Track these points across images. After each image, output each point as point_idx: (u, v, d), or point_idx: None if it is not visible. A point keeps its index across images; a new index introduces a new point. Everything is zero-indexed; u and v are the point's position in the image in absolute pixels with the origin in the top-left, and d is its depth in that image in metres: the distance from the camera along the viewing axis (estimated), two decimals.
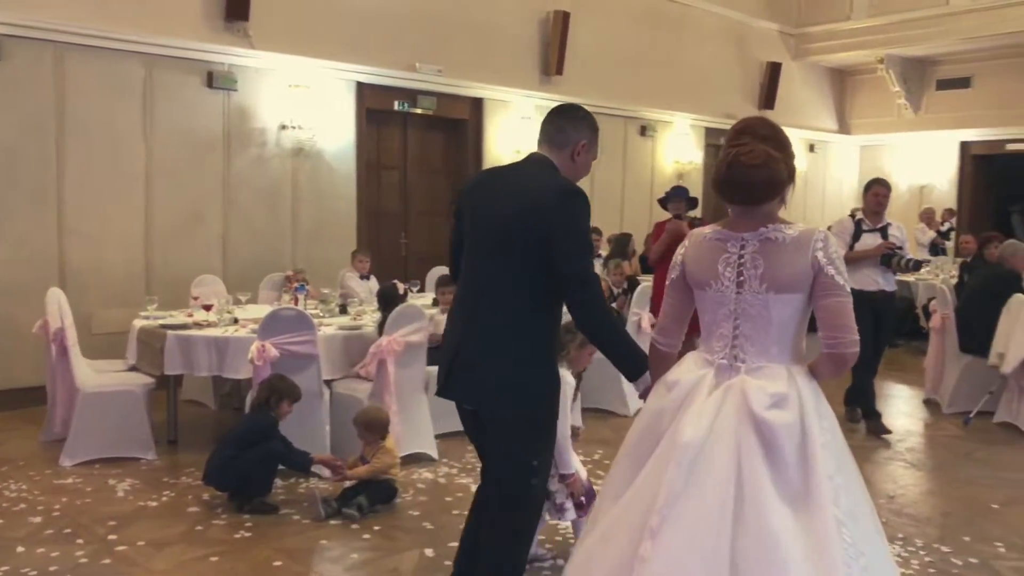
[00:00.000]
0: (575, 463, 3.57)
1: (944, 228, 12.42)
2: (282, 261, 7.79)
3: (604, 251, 9.19)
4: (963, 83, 13.26)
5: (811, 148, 14.03)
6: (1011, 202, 14.23)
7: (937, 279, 9.63)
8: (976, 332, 6.55)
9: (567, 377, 3.23)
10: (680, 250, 2.44)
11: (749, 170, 2.24)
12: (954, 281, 9.17)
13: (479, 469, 2.92)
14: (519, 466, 2.67)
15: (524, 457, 2.67)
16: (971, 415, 6.37)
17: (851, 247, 5.98)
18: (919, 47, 12.74)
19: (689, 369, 2.32)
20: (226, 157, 7.57)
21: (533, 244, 2.57)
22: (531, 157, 2.79)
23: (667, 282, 2.48)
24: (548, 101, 10.13)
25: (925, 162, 13.96)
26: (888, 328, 6.23)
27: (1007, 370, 6.06)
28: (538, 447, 2.70)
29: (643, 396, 2.56)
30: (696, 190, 10.84)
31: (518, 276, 2.62)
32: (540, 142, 2.79)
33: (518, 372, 2.62)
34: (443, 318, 5.90)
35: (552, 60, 9.90)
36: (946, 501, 4.67)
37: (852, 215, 6.19)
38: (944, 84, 13.49)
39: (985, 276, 7.03)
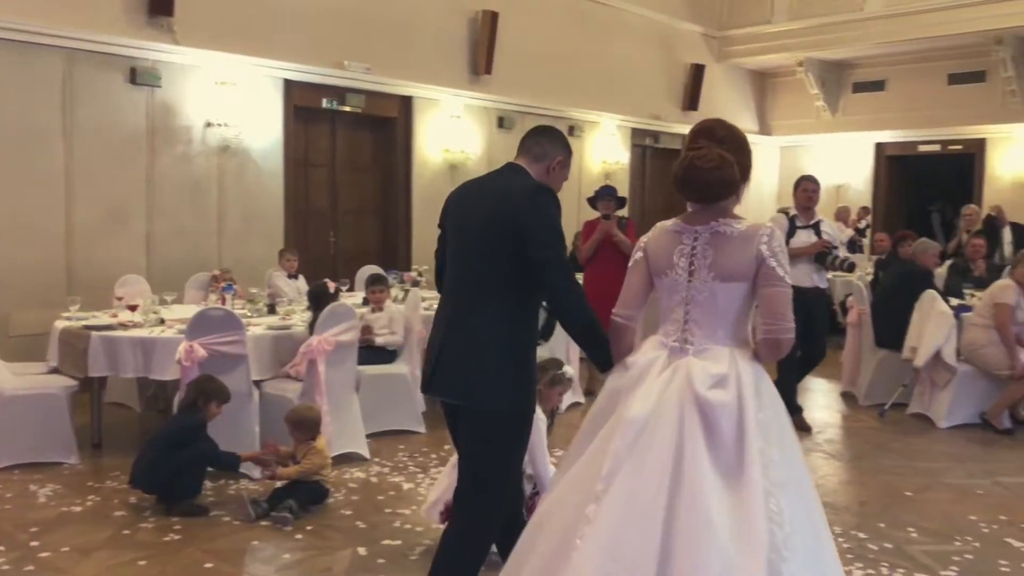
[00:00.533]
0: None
1: (861, 226, 12.87)
2: (208, 260, 7.65)
3: None
4: (878, 86, 13.77)
5: None
6: (927, 202, 14.86)
7: (854, 276, 9.99)
8: (890, 327, 6.83)
9: (539, 414, 3.36)
10: (644, 238, 2.65)
11: (704, 172, 2.44)
12: (869, 278, 9.54)
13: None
14: (495, 457, 2.81)
15: (501, 448, 2.82)
16: (886, 407, 6.64)
17: (786, 243, 6.12)
18: (836, 51, 13.17)
19: (646, 352, 2.51)
20: (150, 155, 7.41)
21: (509, 239, 2.74)
22: (507, 165, 3.00)
23: (630, 263, 2.67)
24: (477, 100, 10.18)
25: (842, 162, 14.44)
26: (822, 325, 6.36)
27: (919, 364, 6.34)
28: (514, 440, 2.85)
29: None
30: (623, 190, 11.05)
31: (498, 277, 2.79)
32: (519, 154, 3.02)
33: (498, 369, 2.77)
34: (374, 317, 5.97)
35: (481, 59, 9.94)
36: (863, 490, 4.88)
37: (785, 212, 6.33)
38: (860, 87, 13.98)
39: (898, 273, 7.34)
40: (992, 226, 10.33)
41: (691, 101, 13.22)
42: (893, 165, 14.20)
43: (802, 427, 6.12)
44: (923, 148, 13.81)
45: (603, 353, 2.72)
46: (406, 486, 4.80)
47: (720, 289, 2.42)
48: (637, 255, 2.65)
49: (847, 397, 7.26)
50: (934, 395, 6.43)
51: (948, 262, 9.08)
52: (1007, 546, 4.06)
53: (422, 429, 5.89)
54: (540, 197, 2.81)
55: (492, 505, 2.88)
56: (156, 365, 5.03)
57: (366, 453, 5.28)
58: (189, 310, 5.56)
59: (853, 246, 12.24)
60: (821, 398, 7.45)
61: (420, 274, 7.49)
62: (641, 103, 12.47)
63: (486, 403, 2.78)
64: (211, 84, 7.71)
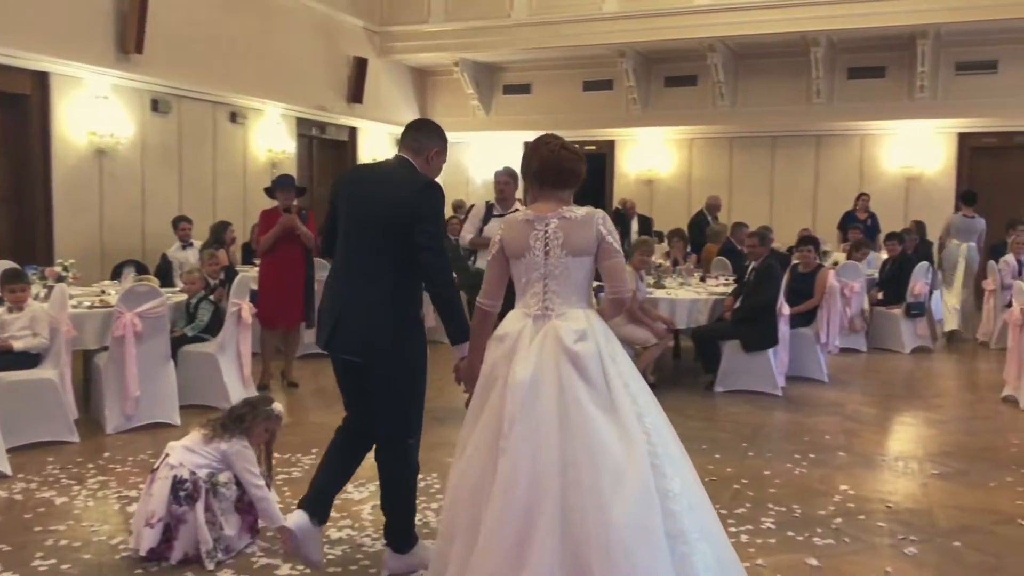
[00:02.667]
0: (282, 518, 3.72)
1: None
2: None
3: (197, 241, 8.83)
4: (524, 89, 14.91)
5: (398, 142, 14.74)
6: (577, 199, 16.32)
7: None
8: None
9: (245, 443, 3.80)
10: (498, 234, 3.09)
11: (569, 160, 3.01)
12: None
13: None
14: (396, 406, 3.38)
15: (399, 397, 3.37)
16: None
17: (480, 231, 6.44)
18: (487, 53, 14.04)
19: (512, 323, 2.95)
20: None
21: (401, 224, 3.28)
22: (396, 159, 3.49)
23: (489, 257, 3.11)
24: (127, 81, 9.46)
25: (497, 159, 15.37)
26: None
27: None
28: (408, 388, 3.39)
29: (461, 360, 3.29)
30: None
31: (389, 252, 3.32)
32: (401, 148, 3.51)
33: (393, 331, 3.31)
34: (11, 318, 5.36)
35: (130, 37, 9.21)
36: None
37: (487, 202, 6.65)
38: (509, 89, 15.03)
39: None
40: (621, 217, 11.71)
41: (356, 94, 13.35)
42: None
43: None
44: None
45: (458, 326, 3.31)
46: (59, 500, 4.40)
47: (572, 263, 2.93)
48: (494, 250, 3.09)
49: None
50: None
51: None
52: None
53: (75, 438, 5.41)
54: (431, 193, 3.36)
55: (411, 447, 3.47)
56: None
57: (7, 469, 4.74)
58: None
59: None
60: None
61: (66, 268, 6.82)
62: (306, 93, 12.36)
63: (383, 358, 3.31)
64: None
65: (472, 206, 7.32)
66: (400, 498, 3.53)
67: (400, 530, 3.57)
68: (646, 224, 12.06)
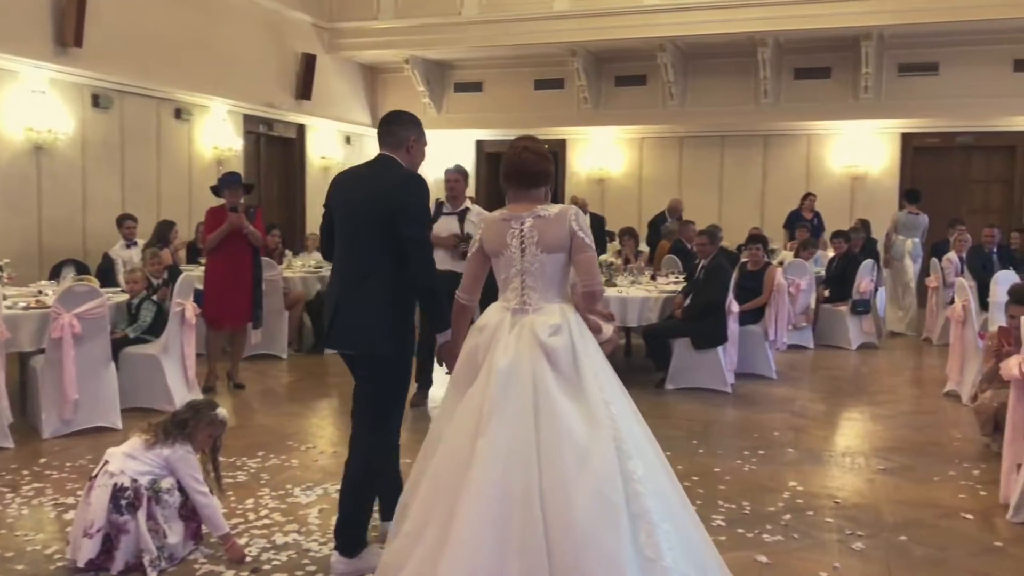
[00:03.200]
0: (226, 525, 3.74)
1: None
2: None
3: (141, 240, 8.62)
4: (476, 87, 14.85)
5: (347, 140, 14.62)
6: None
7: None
8: None
9: (189, 448, 3.75)
10: (477, 234, 3.27)
11: (530, 163, 3.16)
12: None
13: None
14: (384, 395, 3.51)
15: (388, 388, 3.51)
16: None
17: (430, 230, 6.33)
18: (438, 51, 13.95)
19: (492, 315, 3.11)
20: None
21: (385, 219, 3.39)
22: (379, 158, 3.56)
23: (469, 254, 3.34)
24: (66, 75, 9.20)
25: (448, 157, 15.27)
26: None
27: None
28: (397, 381, 3.54)
29: (441, 347, 3.46)
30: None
31: (382, 251, 3.43)
32: (381, 146, 3.57)
33: (384, 325, 3.43)
34: None
35: (69, 29, 8.92)
36: None
37: (438, 200, 6.55)
38: (461, 87, 14.95)
39: None
40: None
41: (304, 90, 13.16)
42: (493, 161, 15.42)
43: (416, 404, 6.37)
44: None
45: (439, 316, 3.45)
46: None
47: (547, 259, 3.07)
48: (474, 248, 3.28)
49: None
50: None
51: None
52: None
53: (9, 444, 5.23)
54: (411, 186, 3.45)
55: (384, 440, 3.55)
56: None
57: None
58: None
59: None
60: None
61: (0, 268, 6.59)
62: (253, 89, 12.15)
63: (376, 351, 3.44)
64: None
65: None
66: (359, 498, 3.54)
67: (353, 533, 3.54)
68: (598, 222, 12.08)
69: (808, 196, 11.98)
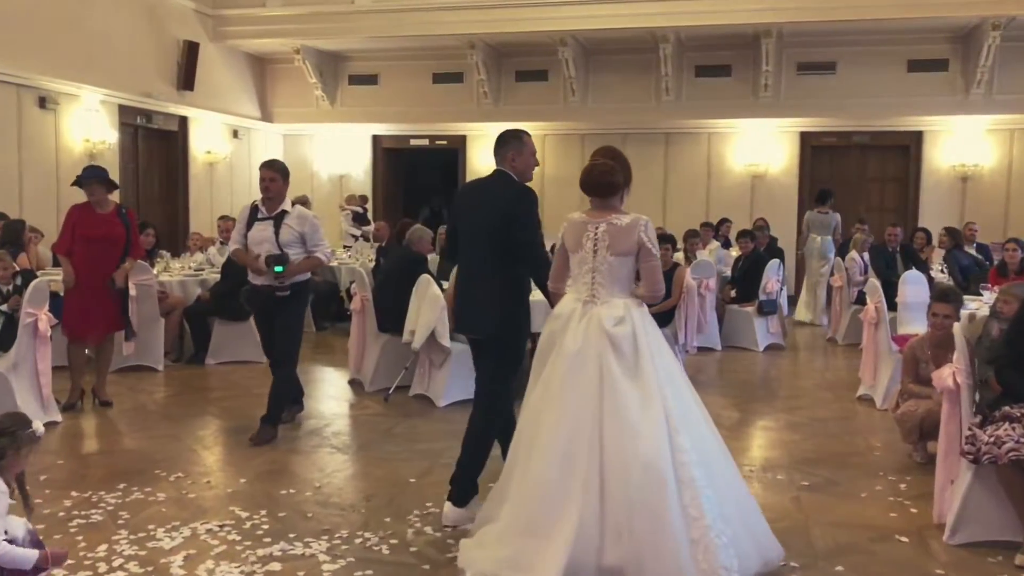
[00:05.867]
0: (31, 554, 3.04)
1: (361, 210, 13.32)
2: None
3: None
4: (372, 80, 14.23)
5: (235, 134, 13.76)
6: (423, 193, 15.91)
7: (356, 263, 10.17)
8: (391, 312, 6.94)
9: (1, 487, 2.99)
10: (561, 229, 3.75)
11: (599, 176, 3.67)
12: (372, 264, 9.75)
13: None
14: (500, 368, 4.15)
15: (504, 361, 4.15)
16: (390, 391, 6.74)
17: (245, 236, 5.51)
18: (330, 41, 13.30)
19: (565, 305, 3.65)
20: None
21: (504, 226, 4.01)
22: (495, 173, 4.25)
23: (556, 248, 3.85)
24: None
25: (343, 153, 14.70)
26: (284, 327, 5.58)
27: (417, 346, 6.52)
28: (511, 355, 4.17)
29: None
30: (114, 173, 9.78)
31: (498, 253, 4.06)
32: (496, 161, 4.27)
33: (500, 312, 4.09)
34: None
35: None
36: (369, 483, 4.75)
37: (253, 203, 5.63)
38: (356, 80, 14.32)
39: (396, 259, 7.51)
40: None
41: (187, 81, 12.32)
42: (390, 157, 14.84)
43: (265, 438, 5.46)
44: (415, 142, 14.66)
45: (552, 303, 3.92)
46: None
47: (615, 261, 3.57)
48: (558, 243, 3.80)
49: (355, 384, 7.23)
50: (432, 375, 6.67)
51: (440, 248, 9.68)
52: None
53: None
54: (526, 198, 4.10)
55: (500, 399, 4.19)
56: None
57: None
58: None
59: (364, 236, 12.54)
60: (330, 388, 7.33)
61: None
62: (130, 78, 11.25)
63: (494, 333, 4.12)
64: None
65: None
66: (477, 451, 4.14)
67: (467, 481, 4.11)
68: None
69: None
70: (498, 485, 3.70)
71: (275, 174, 5.49)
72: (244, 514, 4.17)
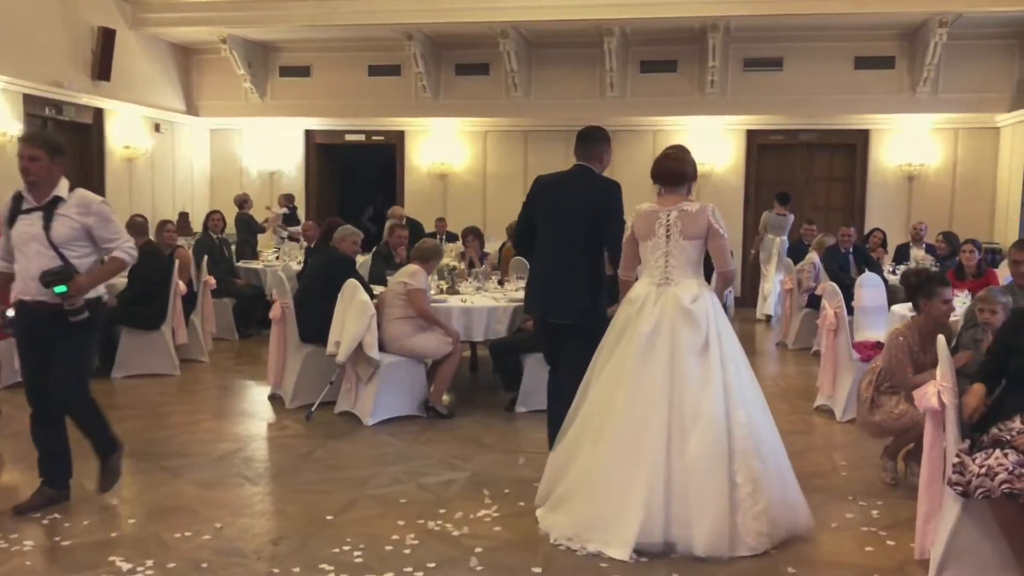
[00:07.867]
0: None
1: (287, 211, 12.58)
2: None
3: None
4: (304, 72, 13.52)
5: (157, 128, 12.94)
6: (359, 191, 15.24)
7: (280, 266, 9.45)
8: (314, 320, 6.34)
9: None
10: (630, 220, 4.12)
11: (673, 166, 4.04)
12: (300, 267, 9.09)
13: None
14: (584, 349, 4.23)
15: (588, 344, 4.20)
16: (313, 408, 6.14)
17: (8, 238, 4.14)
18: (259, 30, 12.58)
19: (640, 289, 3.98)
20: None
21: (594, 217, 4.52)
22: (579, 168, 4.68)
23: (624, 239, 4.18)
24: None
25: (274, 148, 13.96)
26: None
27: (342, 358, 5.93)
28: (593, 338, 4.19)
29: (613, 307, 4.34)
30: (10, 167, 8.97)
31: (585, 242, 4.57)
32: (578, 157, 4.70)
33: (585, 299, 4.58)
34: None
35: None
36: (280, 522, 4.14)
37: (16, 193, 4.16)
38: (287, 71, 13.60)
39: (321, 261, 6.91)
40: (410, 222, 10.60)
41: (102, 70, 11.48)
42: (323, 153, 14.15)
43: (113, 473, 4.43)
44: (350, 137, 13.98)
45: (617, 291, 4.33)
46: None
47: (687, 245, 3.89)
48: (627, 233, 4.13)
49: (275, 400, 6.59)
50: (360, 390, 6.09)
51: (373, 249, 9.07)
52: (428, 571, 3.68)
53: None
54: (615, 191, 4.57)
55: (581, 376, 4.14)
56: None
57: None
58: None
59: (293, 236, 11.77)
60: (247, 405, 6.69)
61: None
62: (37, 65, 10.39)
63: (580, 319, 4.55)
64: None
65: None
66: (566, 406, 4.20)
67: (552, 433, 4.44)
68: (416, 227, 10.89)
69: None
70: (558, 455, 4.04)
71: (37, 151, 4.03)
72: (126, 566, 3.55)
